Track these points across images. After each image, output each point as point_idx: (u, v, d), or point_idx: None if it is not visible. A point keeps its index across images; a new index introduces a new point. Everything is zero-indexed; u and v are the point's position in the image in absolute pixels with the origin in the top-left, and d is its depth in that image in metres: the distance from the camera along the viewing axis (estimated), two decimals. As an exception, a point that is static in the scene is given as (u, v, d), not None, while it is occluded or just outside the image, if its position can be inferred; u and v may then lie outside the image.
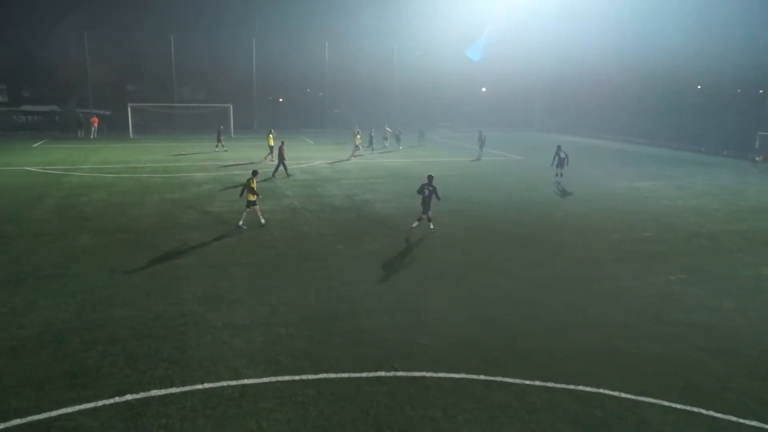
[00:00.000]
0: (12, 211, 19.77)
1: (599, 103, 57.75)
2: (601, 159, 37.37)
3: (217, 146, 38.62)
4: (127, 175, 27.81)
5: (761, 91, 43.71)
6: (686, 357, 9.93)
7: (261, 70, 58.15)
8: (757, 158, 35.43)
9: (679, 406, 8.38)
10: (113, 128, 51.79)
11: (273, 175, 27.62)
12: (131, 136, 47.67)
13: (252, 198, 17.72)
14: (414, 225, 17.50)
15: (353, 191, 24.68)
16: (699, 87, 49.95)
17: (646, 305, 12.31)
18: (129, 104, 49.41)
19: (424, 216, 17.42)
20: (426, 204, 17.31)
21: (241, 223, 17.86)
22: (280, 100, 65.96)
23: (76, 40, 53.14)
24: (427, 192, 17.29)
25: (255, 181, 17.94)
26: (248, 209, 17.87)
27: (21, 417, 7.72)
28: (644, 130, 51.74)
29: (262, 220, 18.19)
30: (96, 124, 48.28)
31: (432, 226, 17.59)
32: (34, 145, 41.12)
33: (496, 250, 16.28)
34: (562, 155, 27.86)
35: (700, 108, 48.11)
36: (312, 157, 36.14)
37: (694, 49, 46.76)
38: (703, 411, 8.26)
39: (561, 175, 27.88)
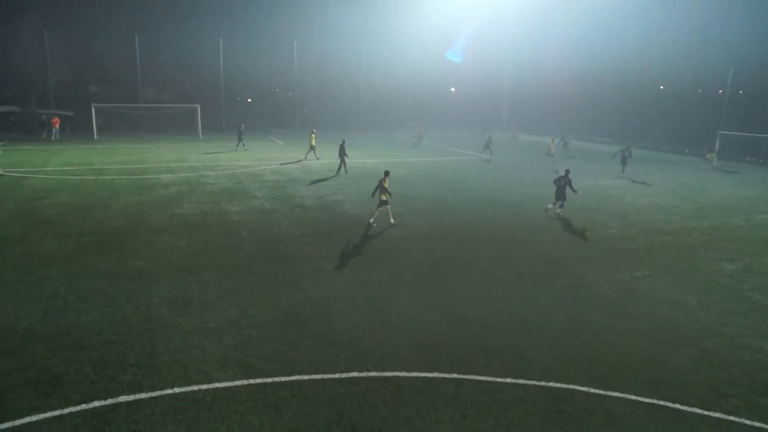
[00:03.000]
0: (-30, 215, 19.14)
1: (563, 103, 58.69)
2: (566, 158, 37.98)
3: (243, 145, 40.21)
4: (91, 177, 27.18)
5: (720, 92, 45.01)
6: (651, 351, 10.20)
7: (228, 70, 57.31)
8: (707, 156, 36.67)
9: (645, 399, 8.60)
10: (76, 129, 50.47)
11: (338, 172, 29.48)
12: (95, 137, 46.59)
13: (384, 197, 18.19)
14: (549, 206, 21.22)
15: (323, 192, 24.60)
16: (661, 87, 51.21)
17: (611, 301, 12.60)
18: (93, 104, 48.19)
19: (557, 202, 20.83)
20: (560, 193, 20.58)
21: (371, 220, 18.68)
22: (249, 100, 65.27)
23: (36, 39, 51.53)
24: (562, 183, 20.63)
25: (387, 180, 18.44)
26: (380, 208, 18.41)
27: (-17, 427, 7.50)
28: (608, 130, 52.85)
29: (392, 220, 18.68)
30: (57, 125, 46.97)
31: (559, 211, 20.79)
32: (-7, 146, 39.84)
33: (463, 249, 16.44)
34: (627, 153, 31.43)
35: (663, 108, 49.32)
36: (282, 158, 35.85)
37: (655, 50, 47.98)
38: (669, 404, 8.50)
39: (623, 170, 31.87)
